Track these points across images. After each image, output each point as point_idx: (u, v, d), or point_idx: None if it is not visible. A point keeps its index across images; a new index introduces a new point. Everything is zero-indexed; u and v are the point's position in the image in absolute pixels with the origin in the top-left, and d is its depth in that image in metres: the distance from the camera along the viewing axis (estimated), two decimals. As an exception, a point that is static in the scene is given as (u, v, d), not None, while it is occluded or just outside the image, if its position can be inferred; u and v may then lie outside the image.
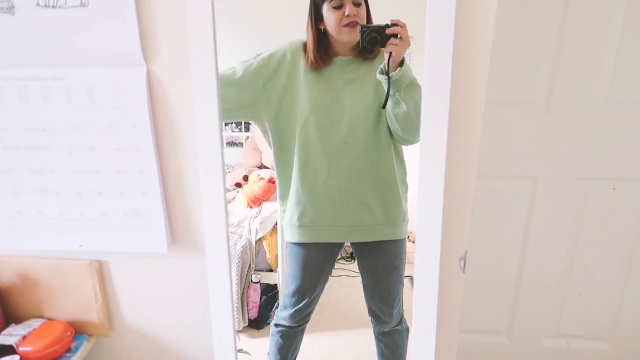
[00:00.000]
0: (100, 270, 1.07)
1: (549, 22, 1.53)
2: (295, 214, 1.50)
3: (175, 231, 1.03)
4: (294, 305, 1.65)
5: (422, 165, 0.89)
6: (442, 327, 0.96)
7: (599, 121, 1.62)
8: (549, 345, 1.97)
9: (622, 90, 1.58)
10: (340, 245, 1.63)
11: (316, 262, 1.60)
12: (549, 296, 1.90)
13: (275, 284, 2.55)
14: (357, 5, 1.29)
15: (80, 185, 0.98)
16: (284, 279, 1.71)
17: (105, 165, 0.97)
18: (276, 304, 2.59)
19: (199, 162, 0.92)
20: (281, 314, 1.69)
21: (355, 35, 1.30)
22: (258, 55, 1.41)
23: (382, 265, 1.60)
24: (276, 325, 1.72)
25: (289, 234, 1.55)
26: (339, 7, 1.29)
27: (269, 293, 2.67)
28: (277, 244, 2.52)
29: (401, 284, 1.65)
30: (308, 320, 1.72)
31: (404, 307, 1.72)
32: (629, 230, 1.78)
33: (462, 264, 0.97)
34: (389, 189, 1.49)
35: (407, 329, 1.74)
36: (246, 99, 1.38)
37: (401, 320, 1.71)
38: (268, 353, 1.79)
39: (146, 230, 1.00)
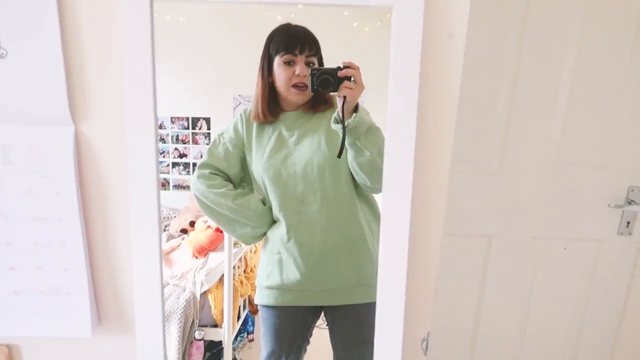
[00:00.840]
0: (10, 356, 0.91)
1: (501, 80, 1.54)
2: (263, 274, 1.44)
3: (102, 310, 0.89)
4: None
5: (384, 228, 0.82)
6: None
7: (549, 181, 1.64)
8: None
9: (571, 151, 1.61)
10: (314, 314, 1.51)
11: (286, 328, 1.50)
12: (505, 354, 1.87)
13: (220, 341, 2.38)
14: (310, 64, 1.24)
15: (-13, 259, 0.84)
16: (262, 340, 1.58)
17: (19, 236, 0.83)
18: (221, 361, 2.41)
19: (133, 234, 0.81)
20: None
21: (303, 97, 1.26)
22: (220, 136, 1.40)
23: (356, 337, 1.46)
24: None
25: (257, 294, 1.49)
26: (289, 64, 1.23)
27: (213, 349, 2.49)
28: (222, 297, 2.37)
29: (371, 353, 1.53)
30: None
31: None
32: (579, 289, 1.79)
33: (424, 345, 0.89)
34: (357, 246, 1.37)
35: None
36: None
37: None
38: None
39: (67, 311, 0.86)
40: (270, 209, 1.38)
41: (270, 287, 1.43)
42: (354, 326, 1.46)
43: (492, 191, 1.66)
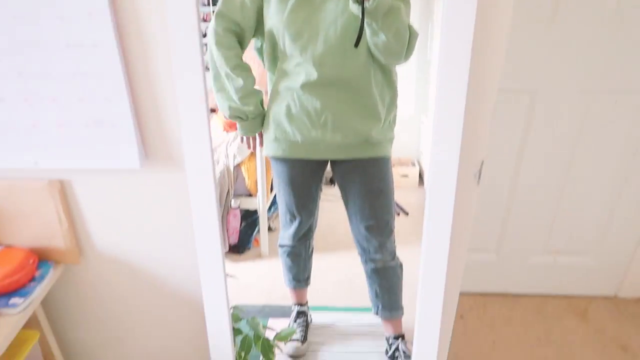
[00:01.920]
0: (63, 191, 0.93)
1: None
2: (271, 126, 1.43)
3: (148, 143, 0.88)
4: (290, 223, 1.62)
5: (441, 73, 0.76)
6: (454, 243, 0.87)
7: (605, 32, 1.50)
8: (536, 261, 1.98)
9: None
10: (321, 164, 1.53)
11: (299, 179, 1.53)
12: (540, 213, 1.87)
13: (255, 210, 2.46)
14: None
15: (28, 90, 0.82)
16: (277, 197, 1.65)
17: (56, 65, 0.80)
18: (257, 229, 2.52)
19: (174, 59, 0.76)
20: (282, 234, 1.67)
21: None
22: None
23: (365, 189, 1.48)
24: (280, 245, 1.72)
25: (266, 147, 1.49)
26: None
27: (249, 219, 2.59)
28: (255, 168, 2.41)
29: (390, 213, 1.53)
30: (309, 238, 1.69)
31: (396, 243, 1.60)
32: (626, 145, 1.73)
33: (477, 174, 0.87)
34: (369, 110, 1.38)
35: (401, 266, 1.64)
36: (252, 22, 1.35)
37: (394, 256, 1.60)
38: (283, 274, 1.80)
39: (113, 143, 0.86)
40: (259, 93, 1.40)
41: (278, 140, 1.44)
42: (361, 179, 1.47)
43: (542, 42, 1.54)
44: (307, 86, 1.33)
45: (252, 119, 1.44)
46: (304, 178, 1.54)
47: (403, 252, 2.35)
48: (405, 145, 3.07)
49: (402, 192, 2.96)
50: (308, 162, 1.49)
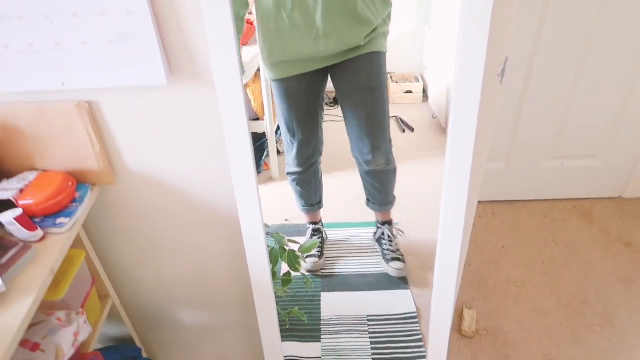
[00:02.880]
0: (92, 112, 0.94)
1: None
2: (265, 50, 1.44)
3: (172, 59, 0.88)
4: (291, 145, 1.64)
5: None
6: (477, 148, 0.90)
7: None
8: (544, 167, 2.03)
9: None
10: (319, 78, 1.53)
11: (298, 94, 1.53)
12: (550, 118, 1.89)
13: (264, 133, 2.47)
14: None
15: (47, 6, 0.80)
16: (278, 122, 1.69)
17: (74, -23, 0.78)
18: (266, 152, 2.54)
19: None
20: (289, 161, 1.70)
21: None
22: None
23: (359, 86, 1.49)
24: (288, 174, 1.76)
25: (266, 71, 1.51)
26: None
27: (257, 142, 2.60)
28: (261, 90, 2.38)
29: (384, 112, 1.55)
30: (316, 163, 1.71)
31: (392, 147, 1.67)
32: (636, 49, 1.71)
33: (501, 72, 0.87)
34: (359, 17, 1.37)
35: (395, 170, 1.71)
36: None
37: (389, 160, 1.65)
38: (296, 199, 1.87)
39: (139, 59, 0.85)
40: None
41: (275, 63, 1.44)
42: (357, 75, 1.48)
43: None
44: (295, 2, 1.30)
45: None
46: (301, 92, 1.54)
47: (410, 168, 2.40)
48: (408, 59, 3.02)
49: (406, 108, 2.95)
50: (304, 75, 1.49)
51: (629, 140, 1.93)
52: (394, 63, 3.06)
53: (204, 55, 0.86)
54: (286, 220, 2.10)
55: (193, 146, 0.99)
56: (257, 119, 2.41)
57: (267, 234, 1.49)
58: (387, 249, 1.83)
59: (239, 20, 1.39)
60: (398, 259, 1.79)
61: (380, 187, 1.75)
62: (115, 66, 0.86)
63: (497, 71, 0.87)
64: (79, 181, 0.99)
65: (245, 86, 2.33)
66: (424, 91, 2.94)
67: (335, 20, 1.35)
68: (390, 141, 1.63)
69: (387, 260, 1.82)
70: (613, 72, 1.75)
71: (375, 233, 1.91)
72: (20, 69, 0.86)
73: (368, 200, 1.83)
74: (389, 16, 1.50)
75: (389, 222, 1.88)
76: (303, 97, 1.55)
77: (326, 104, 3.05)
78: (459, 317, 1.66)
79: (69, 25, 0.82)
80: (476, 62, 0.80)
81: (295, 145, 1.62)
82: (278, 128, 2.61)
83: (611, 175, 2.05)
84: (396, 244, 1.85)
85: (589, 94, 1.80)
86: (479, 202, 2.13)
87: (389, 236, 1.85)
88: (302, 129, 1.60)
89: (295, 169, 1.70)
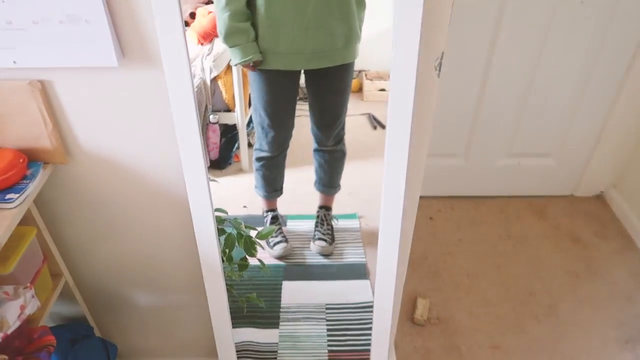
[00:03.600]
0: (44, 91, 0.96)
1: None
2: (259, 36, 1.46)
3: (124, 41, 0.91)
4: (265, 135, 1.72)
5: None
6: (416, 139, 0.95)
7: None
8: (502, 164, 2.10)
9: None
10: (297, 77, 1.62)
11: (283, 87, 1.61)
12: (506, 117, 1.96)
13: (234, 124, 2.48)
14: None
15: (-1, -15, 0.82)
16: (254, 106, 1.75)
17: (25, -43, 0.80)
18: (236, 145, 2.55)
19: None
20: (260, 146, 1.79)
21: None
22: None
23: (329, 87, 1.64)
24: (258, 159, 1.84)
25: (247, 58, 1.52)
26: None
27: (229, 134, 2.62)
28: (232, 82, 2.40)
29: (345, 107, 1.73)
30: (287, 147, 1.77)
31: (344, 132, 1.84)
32: (588, 50, 1.79)
33: (437, 65, 0.93)
34: (345, 10, 1.45)
35: (344, 152, 1.88)
36: None
37: (340, 142, 1.83)
38: (255, 187, 1.94)
39: (90, 40, 0.88)
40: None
41: (264, 51, 1.48)
42: (327, 79, 1.62)
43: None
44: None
45: (251, 40, 1.45)
46: (284, 85, 1.61)
47: (376, 164, 2.45)
48: (383, 57, 3.06)
49: (379, 105, 3.00)
50: (286, 73, 1.55)
51: (580, 141, 2.02)
52: (368, 61, 3.11)
53: (153, 39, 0.89)
54: (244, 207, 2.14)
55: (145, 128, 1.02)
56: (229, 111, 2.43)
57: (224, 219, 1.53)
58: (318, 230, 1.96)
59: (238, 2, 1.40)
60: (324, 240, 1.93)
61: (327, 168, 1.89)
62: (67, 47, 0.88)
63: (434, 65, 0.92)
64: (32, 159, 1.01)
65: (217, 77, 2.35)
66: (396, 89, 3.00)
67: (326, 14, 1.41)
68: (343, 127, 1.80)
69: (314, 239, 1.95)
70: (565, 74, 1.83)
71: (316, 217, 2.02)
72: (-29, 46, 0.88)
73: (316, 181, 1.96)
74: (362, 18, 1.57)
75: (326, 207, 2.00)
76: (286, 89, 1.64)
77: (300, 98, 3.10)
78: (412, 306, 1.72)
79: (19, 4, 0.84)
80: (410, 55, 0.85)
81: (273, 131, 1.72)
82: (250, 121, 2.64)
83: (564, 174, 2.14)
84: (328, 229, 1.97)
85: (542, 94, 1.88)
86: (439, 197, 2.21)
87: (322, 219, 1.97)
88: (280, 117, 1.70)
89: (267, 154, 1.79)
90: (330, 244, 1.94)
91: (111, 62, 0.90)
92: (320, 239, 1.93)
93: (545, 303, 1.74)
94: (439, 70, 0.94)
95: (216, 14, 1.44)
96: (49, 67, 0.92)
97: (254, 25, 1.45)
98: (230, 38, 1.45)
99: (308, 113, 2.89)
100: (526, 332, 1.64)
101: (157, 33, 0.85)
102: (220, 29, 1.44)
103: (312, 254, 1.95)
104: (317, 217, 2.00)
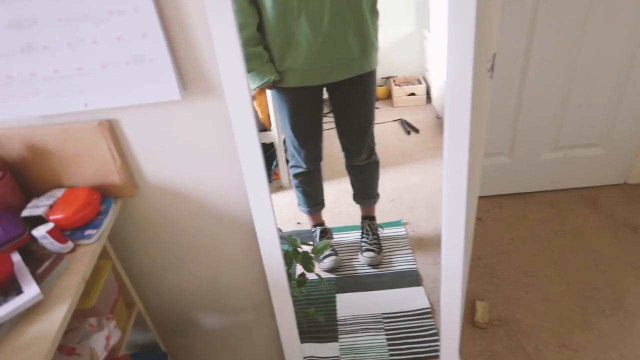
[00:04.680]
0: (112, 130, 1.01)
1: None
2: (275, 58, 1.48)
3: (184, 76, 0.95)
4: (300, 148, 1.73)
5: None
6: (473, 143, 0.95)
7: None
8: (547, 158, 2.07)
9: None
10: (320, 92, 1.64)
11: (307, 103, 1.63)
12: (549, 111, 1.94)
13: (272, 143, 2.53)
14: None
15: (70, 35, 0.87)
16: (283, 126, 1.76)
17: (92, 6, 0.85)
18: (275, 162, 2.60)
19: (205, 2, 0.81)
20: (296, 163, 1.80)
21: None
22: None
23: (352, 98, 1.65)
24: (295, 176, 1.85)
25: (267, 80, 1.53)
26: None
27: (266, 153, 2.67)
28: (267, 102, 2.45)
29: (371, 117, 1.73)
30: (321, 160, 1.80)
31: (375, 142, 1.82)
32: (630, 35, 1.76)
33: (490, 67, 0.93)
34: (359, 20, 1.47)
35: (377, 162, 1.87)
36: None
37: (372, 154, 1.82)
38: (298, 204, 1.96)
39: (153, 77, 0.92)
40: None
41: (282, 70, 1.49)
42: (350, 91, 1.63)
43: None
44: (302, 5, 1.36)
45: (266, 62, 1.47)
46: (308, 102, 1.64)
47: (416, 168, 2.45)
48: (409, 62, 3.09)
49: (410, 110, 3.01)
50: (307, 90, 1.58)
51: (629, 127, 1.97)
52: (395, 67, 3.14)
53: (213, 70, 0.93)
54: (298, 223, 2.17)
55: (207, 156, 1.05)
56: (265, 130, 2.48)
57: (280, 238, 1.56)
58: (364, 241, 1.98)
59: (250, 29, 1.43)
60: (372, 250, 1.95)
61: (364, 180, 1.90)
62: (133, 85, 0.93)
63: (487, 67, 0.93)
64: (103, 195, 1.06)
65: (252, 98, 2.40)
66: (427, 93, 3.00)
67: (341, 26, 1.43)
68: (373, 138, 1.80)
69: (362, 251, 1.96)
70: (608, 59, 1.80)
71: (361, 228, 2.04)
72: (45, 94, 0.93)
73: (354, 195, 1.98)
74: (377, 26, 1.58)
75: (369, 217, 2.02)
76: (310, 106, 1.66)
77: (328, 112, 3.13)
78: (471, 309, 1.70)
79: (89, 51, 0.89)
80: (465, 59, 0.86)
81: (304, 149, 1.74)
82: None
83: (614, 162, 2.08)
84: (374, 238, 1.98)
85: (585, 83, 1.85)
86: (486, 196, 2.18)
87: (366, 230, 2.00)
88: (308, 134, 1.72)
89: (303, 170, 1.81)
90: (379, 253, 1.95)
91: (174, 96, 0.94)
92: (367, 249, 1.95)
93: (610, 297, 1.70)
94: (492, 72, 0.94)
95: None
96: (116, 107, 0.97)
97: (267, 47, 1.47)
98: (246, 64, 1.45)
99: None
100: (594, 328, 1.60)
101: (217, 64, 0.89)
102: None
103: (362, 264, 1.96)
104: (362, 228, 2.02)
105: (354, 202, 2.02)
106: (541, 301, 1.71)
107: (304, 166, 1.78)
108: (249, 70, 1.45)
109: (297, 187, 1.89)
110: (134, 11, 0.85)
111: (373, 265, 1.94)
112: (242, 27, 1.38)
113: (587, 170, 2.11)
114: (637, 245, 1.87)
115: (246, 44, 1.41)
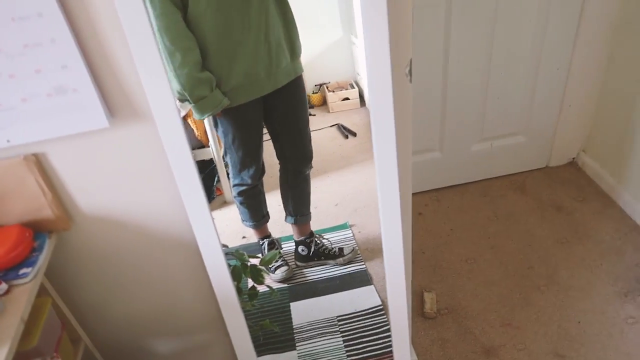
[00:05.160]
0: (39, 163, 0.98)
1: None
2: (220, 79, 1.44)
3: (111, 102, 0.94)
4: (249, 169, 1.72)
5: None
6: (400, 143, 1.01)
7: None
8: (476, 149, 2.19)
9: None
10: (261, 103, 1.63)
11: (251, 118, 1.62)
12: (472, 105, 2.05)
13: (211, 159, 2.52)
14: None
15: (-17, 71, 0.85)
16: (227, 147, 1.72)
17: (6, 40, 0.83)
18: (216, 178, 2.58)
19: (120, 14, 0.81)
20: (241, 181, 1.77)
21: None
22: None
23: (292, 103, 1.67)
24: (240, 194, 1.82)
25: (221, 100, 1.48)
26: None
27: (206, 169, 2.65)
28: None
29: (308, 121, 1.76)
30: (264, 173, 1.80)
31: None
32: (536, 31, 1.90)
33: (408, 72, 0.99)
34: (287, 24, 1.50)
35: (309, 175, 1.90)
36: None
37: (310, 162, 1.84)
38: (243, 220, 1.93)
39: (79, 107, 0.91)
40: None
41: (234, 88, 1.46)
42: (293, 98, 1.66)
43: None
44: (245, 20, 1.36)
45: (215, 88, 1.41)
46: (255, 115, 1.63)
47: (356, 171, 2.51)
48: (340, 67, 3.16)
49: (345, 114, 3.08)
50: (251, 104, 1.57)
51: (543, 115, 2.13)
52: (326, 73, 3.21)
53: (139, 95, 0.93)
54: (244, 237, 2.16)
55: (143, 180, 1.05)
56: (203, 147, 2.46)
57: (227, 253, 1.56)
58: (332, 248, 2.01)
59: (195, 52, 1.36)
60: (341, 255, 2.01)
61: (303, 193, 1.91)
62: (57, 117, 0.91)
63: (405, 72, 0.99)
64: (36, 230, 1.03)
65: (186, 116, 2.38)
66: (361, 96, 3.09)
67: (276, 31, 1.46)
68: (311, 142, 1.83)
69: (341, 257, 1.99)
70: (518, 53, 1.94)
71: (308, 249, 2.00)
72: (-36, 133, 0.90)
73: (293, 214, 1.95)
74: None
75: (310, 234, 2.01)
76: (256, 120, 1.65)
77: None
78: (420, 301, 1.77)
79: (7, 86, 0.87)
80: (383, 67, 0.91)
81: (253, 165, 1.72)
82: (225, 153, 2.66)
83: (535, 148, 2.24)
84: (328, 249, 2.02)
85: (501, 77, 1.98)
86: (424, 191, 2.28)
87: (324, 243, 2.01)
88: (256, 150, 1.71)
89: (248, 186, 1.78)
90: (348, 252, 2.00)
91: (102, 124, 0.93)
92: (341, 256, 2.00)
93: (544, 273, 1.82)
94: (410, 76, 1.00)
95: (172, 74, 1.35)
96: (41, 140, 0.95)
97: (212, 65, 1.41)
98: (196, 91, 1.38)
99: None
100: (532, 304, 1.71)
101: (143, 88, 0.89)
102: (184, 86, 1.36)
103: (313, 270, 1.99)
104: (317, 247, 1.99)
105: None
106: (483, 285, 1.81)
107: (250, 182, 1.76)
108: (199, 98, 1.39)
109: (241, 203, 1.87)
110: (51, 43, 0.84)
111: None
112: (187, 52, 1.33)
113: (512, 157, 2.25)
114: (563, 223, 2.02)
115: (194, 68, 1.35)
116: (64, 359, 1.14)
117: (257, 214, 1.93)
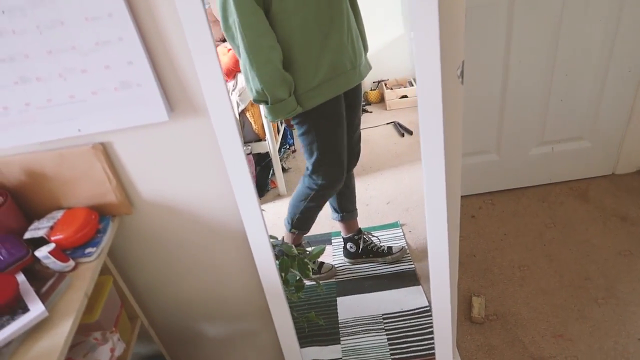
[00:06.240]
0: (106, 152, 1.06)
1: None
2: (307, 74, 1.40)
3: (171, 98, 1.00)
4: (341, 162, 1.64)
5: None
6: (449, 145, 1.00)
7: None
8: (535, 153, 2.11)
9: None
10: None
11: (339, 113, 1.57)
12: (532, 107, 1.98)
13: (267, 152, 2.58)
14: None
15: (60, 66, 0.93)
16: (318, 147, 1.60)
17: (79, 39, 0.90)
18: (271, 171, 2.65)
19: (182, 17, 0.87)
20: (334, 178, 1.67)
21: None
22: None
23: (357, 102, 1.69)
24: (332, 187, 1.72)
25: (310, 98, 1.44)
26: None
27: (262, 162, 2.72)
28: (260, 113, 2.50)
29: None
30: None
31: None
32: (605, 30, 1.80)
33: (460, 74, 0.98)
34: (359, 17, 1.53)
35: None
36: None
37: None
38: (297, 228, 1.88)
39: (142, 101, 0.97)
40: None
41: (327, 80, 1.42)
42: (358, 97, 1.68)
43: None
44: (334, 20, 1.36)
45: (292, 94, 1.38)
46: (342, 116, 1.59)
47: (410, 170, 2.49)
48: (399, 65, 3.14)
49: (403, 112, 3.06)
50: (338, 98, 1.53)
51: (612, 119, 2.01)
52: (385, 70, 3.19)
53: (197, 91, 0.99)
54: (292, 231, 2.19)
55: (196, 171, 1.10)
56: (260, 140, 2.53)
57: (275, 245, 1.60)
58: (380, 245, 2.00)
59: (279, 50, 1.34)
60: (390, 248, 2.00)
61: (351, 190, 1.91)
62: (122, 110, 0.98)
63: (457, 73, 0.98)
64: (101, 214, 1.11)
65: (245, 110, 2.46)
66: (418, 94, 3.04)
67: (353, 27, 1.47)
68: None
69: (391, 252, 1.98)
70: (586, 54, 1.85)
71: (357, 246, 1.98)
72: (40, 122, 0.99)
73: (340, 210, 1.93)
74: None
75: (358, 231, 2.00)
76: (343, 112, 1.58)
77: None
78: (468, 305, 1.74)
79: (79, 80, 0.94)
80: (433, 68, 0.91)
81: (344, 156, 1.65)
82: (281, 146, 2.72)
83: (601, 154, 2.13)
84: (377, 245, 2.01)
85: (565, 78, 1.89)
86: (478, 194, 2.23)
87: (372, 240, 2.00)
88: (345, 142, 1.65)
89: (342, 177, 1.70)
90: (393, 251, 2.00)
91: (162, 118, 1.00)
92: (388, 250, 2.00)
93: (602, 286, 1.73)
94: (462, 78, 0.99)
95: (254, 73, 1.31)
96: (108, 131, 1.03)
97: (300, 63, 1.38)
98: (277, 91, 1.34)
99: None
100: (587, 317, 1.64)
101: (200, 85, 0.94)
102: (266, 84, 1.32)
103: (361, 267, 2.00)
104: (365, 244, 1.98)
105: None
106: (536, 294, 1.75)
107: (342, 177, 1.68)
108: (278, 100, 1.35)
109: (318, 207, 1.80)
110: (118, 41, 0.91)
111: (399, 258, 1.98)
112: (271, 50, 1.30)
113: (575, 163, 2.15)
114: (627, 235, 1.91)
115: (278, 65, 1.32)
116: (122, 334, 1.22)
117: (342, 206, 1.94)
